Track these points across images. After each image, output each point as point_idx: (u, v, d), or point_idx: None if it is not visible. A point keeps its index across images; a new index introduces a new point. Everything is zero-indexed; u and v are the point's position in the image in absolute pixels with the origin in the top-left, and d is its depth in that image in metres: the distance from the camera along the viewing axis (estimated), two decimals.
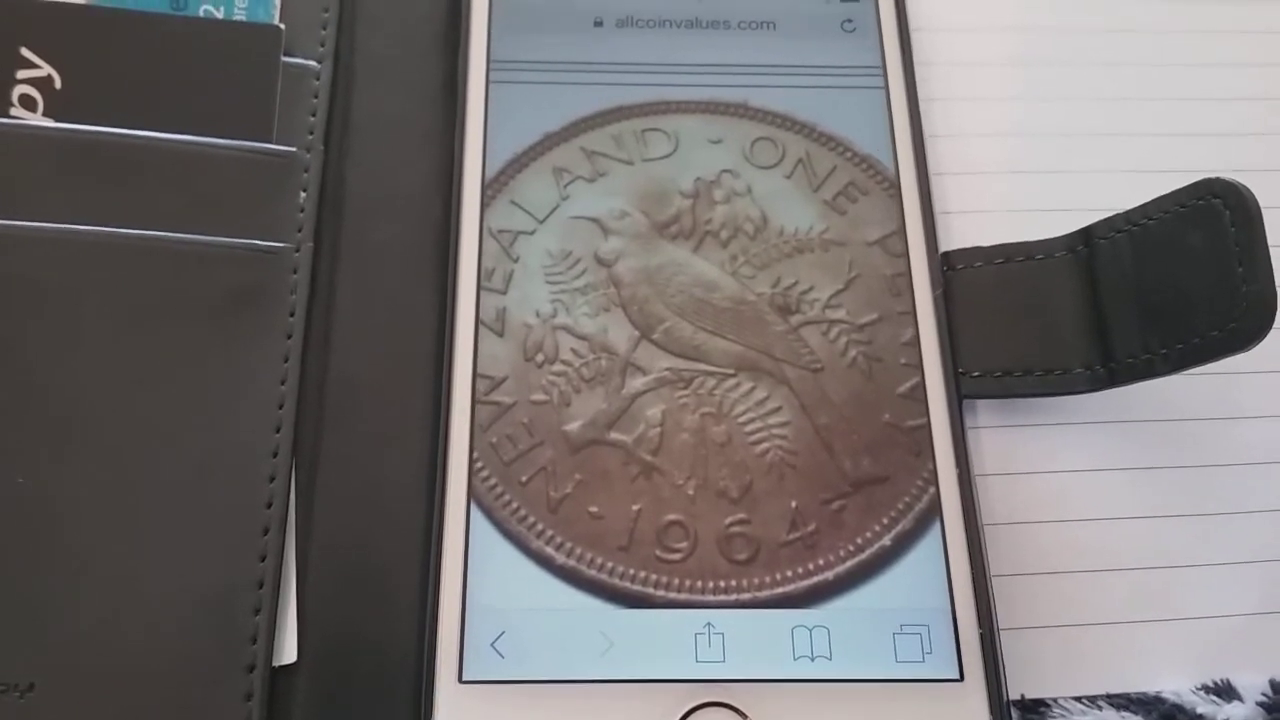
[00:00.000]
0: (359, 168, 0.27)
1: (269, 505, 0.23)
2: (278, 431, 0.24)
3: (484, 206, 0.26)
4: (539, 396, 0.24)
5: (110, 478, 0.23)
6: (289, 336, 0.25)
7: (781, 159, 0.27)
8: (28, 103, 0.25)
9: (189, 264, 0.24)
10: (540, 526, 0.23)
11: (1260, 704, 0.23)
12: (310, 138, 0.26)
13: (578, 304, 0.25)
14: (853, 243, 0.26)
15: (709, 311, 0.25)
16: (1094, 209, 0.26)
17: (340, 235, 0.26)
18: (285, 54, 0.27)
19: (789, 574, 0.23)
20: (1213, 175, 0.23)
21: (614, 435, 0.24)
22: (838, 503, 0.24)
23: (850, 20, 0.29)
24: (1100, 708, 0.23)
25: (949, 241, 0.27)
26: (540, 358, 0.25)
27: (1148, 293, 0.24)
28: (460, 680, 0.22)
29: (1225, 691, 0.24)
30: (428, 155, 0.27)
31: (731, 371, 0.25)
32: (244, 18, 0.27)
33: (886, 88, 0.28)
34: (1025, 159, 0.29)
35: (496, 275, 0.25)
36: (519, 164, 0.27)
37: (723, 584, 0.23)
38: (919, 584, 0.23)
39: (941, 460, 0.24)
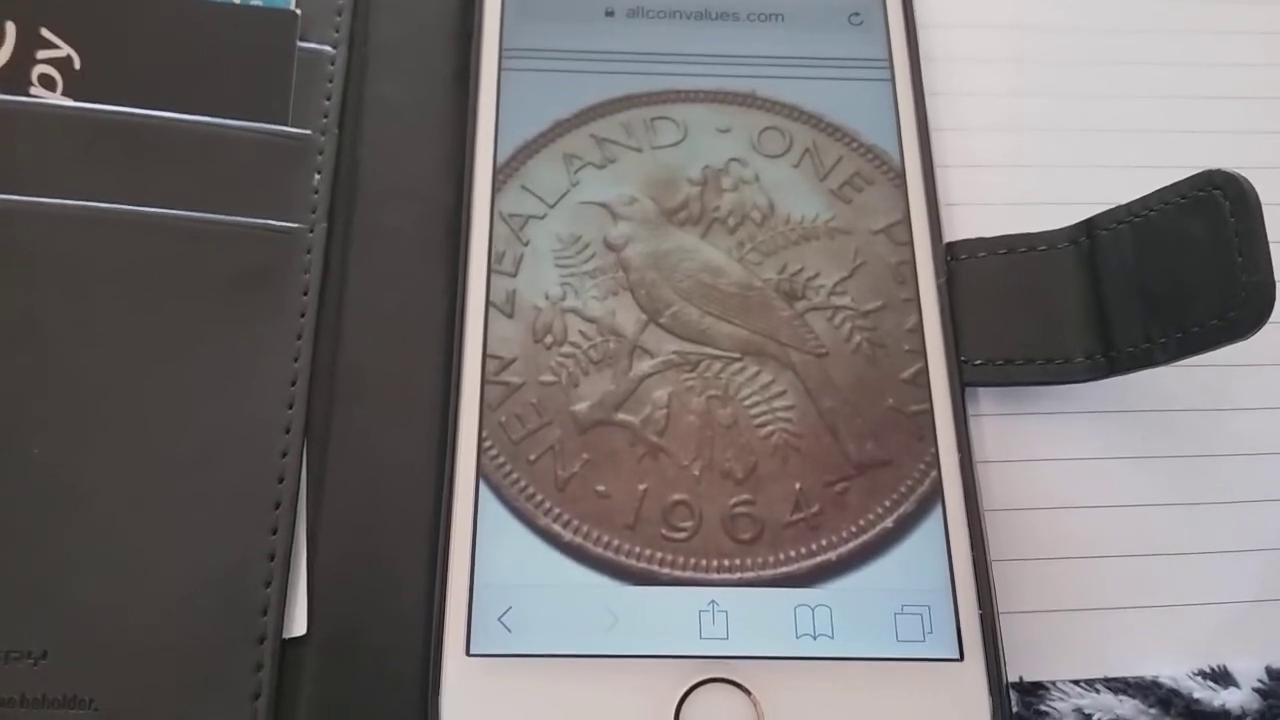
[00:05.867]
0: (372, 152, 0.27)
1: (281, 480, 0.23)
2: (290, 408, 0.24)
3: (495, 191, 0.26)
4: (547, 377, 0.25)
5: (124, 451, 0.23)
6: (302, 315, 0.25)
7: (789, 148, 0.28)
8: (47, 82, 0.26)
9: (204, 242, 0.25)
10: (548, 504, 0.23)
11: (1257, 690, 0.24)
12: (324, 121, 0.27)
13: (586, 287, 0.26)
14: (858, 231, 0.27)
15: (716, 296, 0.26)
16: (1095, 202, 0.26)
17: (353, 217, 0.27)
18: (300, 39, 0.27)
19: (792, 554, 0.23)
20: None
21: (621, 416, 0.24)
22: (841, 485, 0.24)
23: (857, 14, 0.29)
24: (1098, 691, 0.24)
25: (952, 233, 0.27)
26: (549, 339, 0.25)
27: (1148, 283, 0.24)
28: (468, 654, 0.22)
29: (1222, 677, 0.24)
30: (440, 140, 0.27)
31: (737, 355, 0.25)
32: (260, 3, 0.28)
33: (893, 80, 0.28)
34: (1028, 153, 0.30)
35: (507, 258, 0.26)
36: (530, 150, 0.27)
37: (727, 563, 0.23)
38: (920, 565, 0.23)
39: (944, 445, 0.24)
